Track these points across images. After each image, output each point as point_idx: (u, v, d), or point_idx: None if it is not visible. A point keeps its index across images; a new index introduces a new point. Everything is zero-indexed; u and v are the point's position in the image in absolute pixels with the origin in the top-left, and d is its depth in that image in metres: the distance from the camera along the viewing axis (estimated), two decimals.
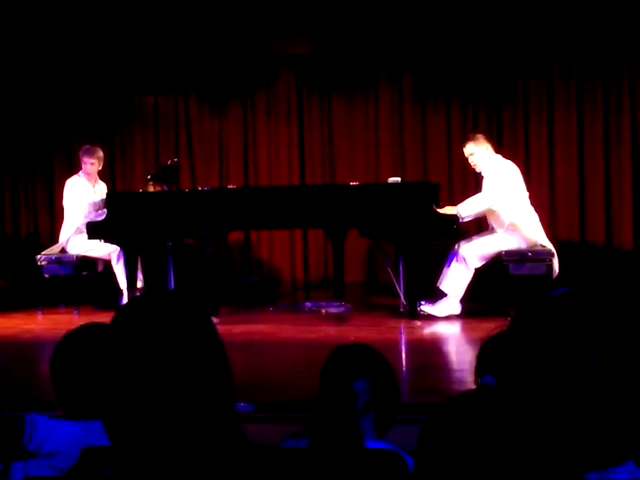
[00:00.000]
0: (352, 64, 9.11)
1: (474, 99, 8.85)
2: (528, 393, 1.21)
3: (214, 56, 9.23)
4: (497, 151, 7.11)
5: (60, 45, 9.16)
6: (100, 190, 7.99)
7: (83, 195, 7.80)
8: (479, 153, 6.93)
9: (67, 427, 2.03)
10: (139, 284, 7.57)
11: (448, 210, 6.85)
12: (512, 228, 6.86)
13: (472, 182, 7.93)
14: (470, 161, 7.02)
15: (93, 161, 7.92)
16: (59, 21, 8.96)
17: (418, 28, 8.73)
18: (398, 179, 7.32)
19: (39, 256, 7.81)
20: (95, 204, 7.70)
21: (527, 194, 6.98)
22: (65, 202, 7.91)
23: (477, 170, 7.04)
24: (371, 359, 2.50)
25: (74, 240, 7.76)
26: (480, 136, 7.05)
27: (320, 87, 9.26)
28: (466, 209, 6.84)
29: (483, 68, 8.73)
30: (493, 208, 6.87)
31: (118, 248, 7.40)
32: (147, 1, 8.80)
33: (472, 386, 2.87)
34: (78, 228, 7.67)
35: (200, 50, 9.20)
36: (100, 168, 8.05)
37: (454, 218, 6.76)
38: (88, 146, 8.11)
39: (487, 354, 2.55)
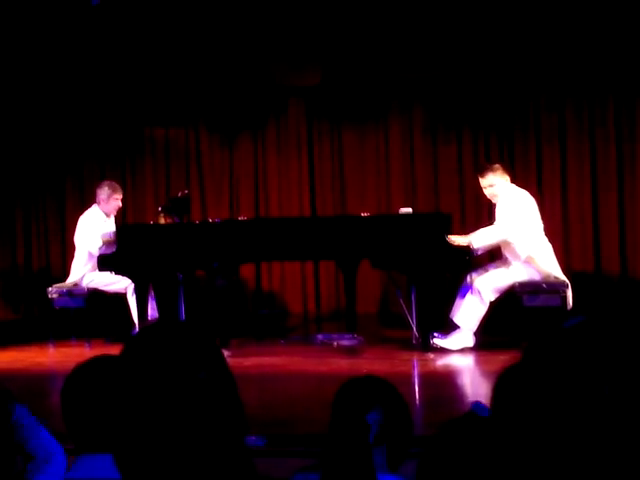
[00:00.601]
0: (362, 95, 9.12)
1: (486, 130, 8.80)
2: (521, 424, 1.20)
3: (224, 88, 9.27)
4: (512, 181, 7.08)
5: (71, 77, 9.23)
6: (112, 222, 7.98)
7: (97, 227, 7.76)
8: (499, 184, 6.87)
9: None
10: (154, 316, 7.54)
11: (459, 239, 6.80)
12: (528, 260, 6.81)
13: (485, 213, 7.89)
14: (488, 192, 6.94)
15: (121, 197, 7.93)
16: (70, 53, 9.03)
17: (429, 59, 8.74)
18: (409, 210, 7.27)
19: (50, 288, 7.80)
20: (106, 235, 7.68)
21: (542, 225, 6.94)
22: (78, 236, 7.84)
23: (493, 201, 6.97)
24: (383, 391, 2.47)
25: (90, 276, 7.72)
26: (499, 166, 6.99)
27: (330, 118, 9.26)
28: (479, 240, 6.79)
29: (494, 99, 8.71)
30: (509, 240, 6.81)
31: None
32: (157, 33, 8.85)
33: None
34: (93, 265, 7.63)
35: (210, 82, 9.24)
36: None
37: (467, 249, 6.72)
38: (112, 182, 8.05)
39: (503, 386, 2.51)
